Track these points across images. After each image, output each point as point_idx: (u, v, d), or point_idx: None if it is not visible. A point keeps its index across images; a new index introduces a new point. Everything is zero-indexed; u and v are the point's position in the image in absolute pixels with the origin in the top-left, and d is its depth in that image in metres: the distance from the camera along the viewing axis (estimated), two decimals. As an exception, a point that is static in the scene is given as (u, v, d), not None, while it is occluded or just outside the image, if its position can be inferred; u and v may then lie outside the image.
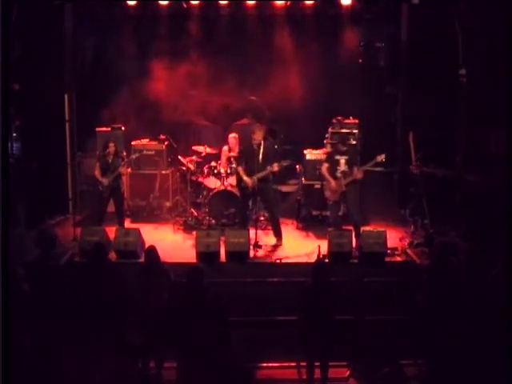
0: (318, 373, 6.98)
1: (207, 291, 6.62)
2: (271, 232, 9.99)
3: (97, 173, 10.01)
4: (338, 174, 9.53)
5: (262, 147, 9.58)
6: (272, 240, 9.86)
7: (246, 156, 9.74)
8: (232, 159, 10.89)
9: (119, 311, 6.92)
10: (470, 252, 8.66)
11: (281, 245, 9.73)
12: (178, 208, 11.30)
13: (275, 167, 9.45)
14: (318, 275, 6.90)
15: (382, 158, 9.34)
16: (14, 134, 10.54)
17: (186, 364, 6.58)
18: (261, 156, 9.56)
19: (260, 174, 9.51)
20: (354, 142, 10.78)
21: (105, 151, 10.00)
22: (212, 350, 6.36)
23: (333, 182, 9.55)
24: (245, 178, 9.63)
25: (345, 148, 9.63)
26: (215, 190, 10.49)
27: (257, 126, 9.71)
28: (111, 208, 10.32)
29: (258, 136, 9.56)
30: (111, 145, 9.99)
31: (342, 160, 9.54)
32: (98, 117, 11.58)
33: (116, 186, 9.99)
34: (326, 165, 9.74)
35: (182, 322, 6.51)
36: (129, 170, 10.11)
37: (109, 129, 11.42)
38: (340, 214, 9.89)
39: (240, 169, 9.77)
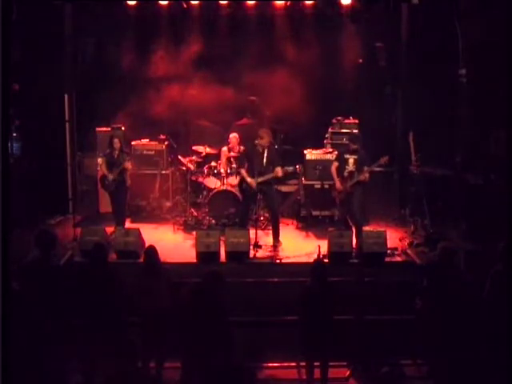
0: (318, 373, 6.99)
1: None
2: (271, 232, 9.98)
3: (103, 168, 10.11)
4: (346, 174, 9.53)
5: (266, 151, 9.60)
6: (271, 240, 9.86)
7: (250, 158, 9.74)
8: (232, 159, 10.90)
9: (119, 311, 6.92)
10: (470, 252, 8.67)
11: (279, 245, 9.72)
12: (177, 208, 11.30)
13: (279, 172, 9.48)
14: (316, 275, 6.90)
15: (385, 159, 9.30)
16: (14, 134, 10.54)
17: (189, 364, 6.58)
18: (265, 159, 9.58)
19: (263, 178, 9.52)
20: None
21: (111, 147, 10.04)
22: (213, 350, 6.37)
23: (338, 183, 9.56)
24: (248, 179, 9.62)
25: (355, 147, 9.60)
26: (215, 190, 10.50)
27: (264, 130, 9.68)
28: (110, 208, 10.35)
29: (266, 141, 9.58)
30: (116, 141, 10.05)
31: (351, 159, 9.50)
32: (97, 117, 11.58)
33: (121, 181, 10.04)
34: (335, 163, 9.73)
35: (186, 323, 6.52)
36: (129, 166, 10.13)
37: (109, 129, 11.42)
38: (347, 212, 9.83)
39: (243, 170, 9.77)
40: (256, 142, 9.65)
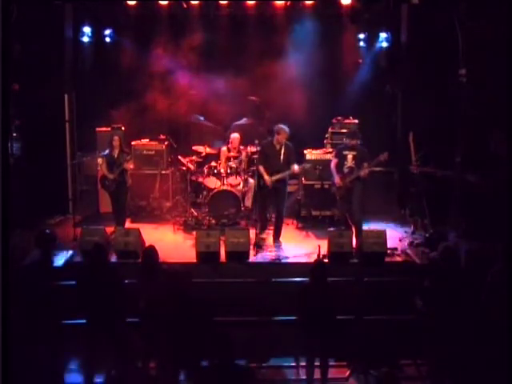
0: (318, 373, 6.99)
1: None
2: (272, 231, 9.97)
3: (103, 168, 10.08)
4: (345, 170, 9.52)
5: (283, 148, 9.58)
6: (272, 240, 9.86)
7: (267, 155, 9.70)
8: (232, 159, 10.91)
9: (119, 311, 6.92)
10: (470, 252, 8.66)
11: (280, 245, 9.72)
12: (177, 208, 11.30)
13: (296, 169, 9.47)
14: (317, 275, 6.90)
15: (384, 156, 9.29)
16: (14, 134, 10.53)
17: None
18: (282, 156, 9.56)
19: (280, 175, 9.52)
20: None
21: (110, 147, 10.03)
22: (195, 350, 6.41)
23: (337, 178, 9.54)
24: (266, 177, 9.54)
25: (353, 142, 9.59)
26: (215, 190, 10.49)
27: (281, 126, 9.63)
28: (110, 208, 10.35)
29: (283, 137, 9.54)
30: (115, 138, 10.01)
31: (350, 155, 9.49)
32: (97, 117, 11.58)
33: (121, 181, 10.02)
34: (334, 160, 9.71)
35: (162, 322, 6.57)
36: (131, 166, 10.13)
37: (109, 129, 11.43)
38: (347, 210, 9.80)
39: (261, 168, 9.66)
40: (273, 138, 9.63)
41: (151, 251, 7.14)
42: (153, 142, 11.59)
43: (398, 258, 9.32)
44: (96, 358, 6.92)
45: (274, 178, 9.52)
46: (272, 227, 10.04)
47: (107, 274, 6.94)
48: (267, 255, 9.39)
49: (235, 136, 11.12)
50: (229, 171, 10.65)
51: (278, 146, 9.59)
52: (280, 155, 9.57)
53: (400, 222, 10.95)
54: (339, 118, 11.58)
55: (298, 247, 9.73)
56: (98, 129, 11.53)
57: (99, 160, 10.66)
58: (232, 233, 9.22)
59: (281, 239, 9.83)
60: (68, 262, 8.84)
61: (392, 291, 8.27)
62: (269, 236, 9.97)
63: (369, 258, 9.00)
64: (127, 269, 7.81)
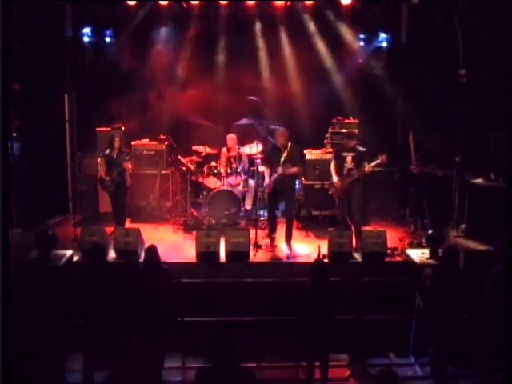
0: (318, 373, 6.99)
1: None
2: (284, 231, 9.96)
3: (102, 168, 10.08)
4: (345, 171, 9.53)
5: (287, 150, 9.60)
6: (273, 240, 9.87)
7: (271, 157, 9.76)
8: (232, 159, 10.91)
9: (119, 311, 6.92)
10: (470, 252, 8.67)
11: (289, 245, 9.72)
12: (177, 208, 11.30)
13: (294, 169, 9.52)
14: (317, 275, 6.91)
15: (383, 158, 9.31)
16: (14, 134, 10.52)
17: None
18: (283, 158, 9.58)
19: (277, 174, 9.55)
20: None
21: (111, 147, 10.02)
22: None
23: (336, 179, 9.56)
24: (266, 178, 9.69)
25: (351, 144, 9.60)
26: (215, 190, 10.50)
27: (279, 132, 9.71)
28: (110, 208, 10.35)
29: (280, 141, 9.61)
30: (117, 139, 10.02)
31: (349, 157, 9.52)
32: (97, 117, 11.58)
33: (121, 181, 10.02)
34: (333, 161, 9.75)
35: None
36: (129, 166, 10.13)
37: (109, 129, 11.43)
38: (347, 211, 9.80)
39: (265, 169, 9.80)
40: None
41: (153, 251, 7.15)
42: (153, 142, 11.58)
43: (398, 258, 9.32)
44: (96, 358, 6.92)
45: (272, 177, 9.57)
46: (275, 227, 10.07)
47: (107, 273, 6.95)
48: (267, 255, 9.40)
49: (231, 136, 11.15)
50: (229, 171, 10.66)
51: (282, 149, 9.63)
52: (281, 157, 9.59)
53: (400, 222, 10.95)
54: (339, 118, 11.57)
55: (298, 247, 9.73)
56: (97, 129, 11.53)
57: (99, 160, 10.67)
58: (232, 233, 9.23)
59: (281, 239, 9.82)
60: (68, 262, 8.82)
61: (392, 291, 8.27)
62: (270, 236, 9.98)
63: (369, 258, 9.00)
64: (127, 269, 7.81)
